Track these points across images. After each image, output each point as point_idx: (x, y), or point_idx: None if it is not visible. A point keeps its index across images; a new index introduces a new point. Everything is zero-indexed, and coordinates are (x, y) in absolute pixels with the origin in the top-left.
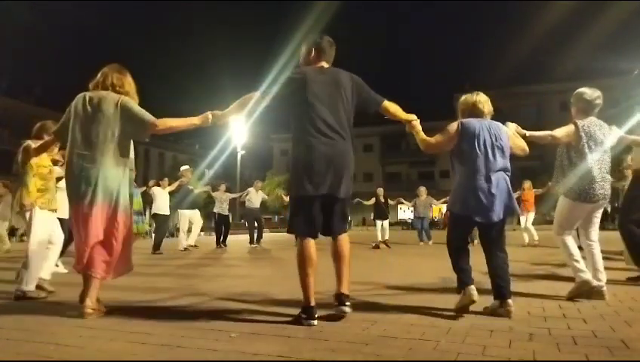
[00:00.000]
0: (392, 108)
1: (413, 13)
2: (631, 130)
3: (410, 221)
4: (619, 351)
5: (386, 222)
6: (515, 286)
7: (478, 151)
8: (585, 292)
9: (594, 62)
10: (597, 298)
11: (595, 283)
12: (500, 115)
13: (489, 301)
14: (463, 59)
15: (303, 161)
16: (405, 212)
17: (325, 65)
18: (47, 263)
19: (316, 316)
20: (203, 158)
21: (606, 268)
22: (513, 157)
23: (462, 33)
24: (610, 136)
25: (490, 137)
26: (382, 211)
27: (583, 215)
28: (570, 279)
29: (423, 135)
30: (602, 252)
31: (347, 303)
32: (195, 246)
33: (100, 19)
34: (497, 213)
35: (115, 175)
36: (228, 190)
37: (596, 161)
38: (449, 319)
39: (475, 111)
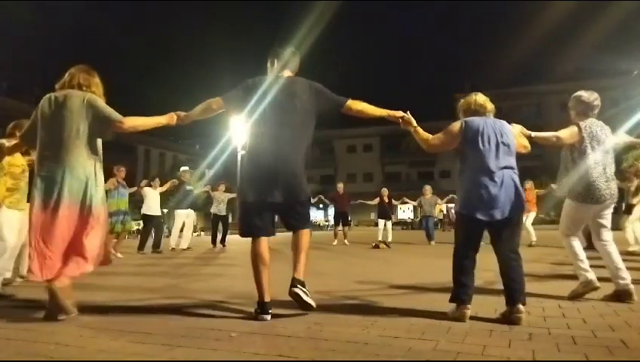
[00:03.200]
0: (358, 105)
1: (413, 12)
2: (630, 130)
3: (410, 221)
4: (619, 351)
5: (389, 223)
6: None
7: (482, 148)
8: (588, 291)
9: (594, 62)
10: (627, 299)
11: (620, 282)
12: (499, 115)
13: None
14: (463, 59)
15: (248, 168)
16: (405, 212)
17: (287, 73)
18: (22, 262)
19: (270, 311)
20: (203, 158)
21: (604, 267)
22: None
23: (462, 33)
24: (610, 136)
25: (495, 134)
26: (385, 211)
27: (589, 216)
28: (570, 277)
29: (423, 134)
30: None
31: (299, 286)
32: (189, 248)
33: (100, 19)
34: (502, 211)
35: (82, 173)
36: (228, 190)
37: (599, 162)
38: (449, 319)
39: (479, 110)
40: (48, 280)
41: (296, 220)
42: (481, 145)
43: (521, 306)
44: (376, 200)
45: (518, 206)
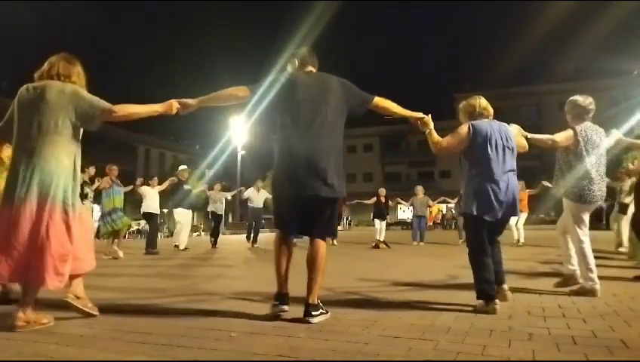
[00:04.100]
0: (384, 103)
1: (413, 12)
2: (631, 129)
3: (410, 221)
4: (618, 351)
5: (383, 223)
6: (516, 282)
7: (490, 152)
8: (587, 296)
9: (594, 62)
10: (572, 282)
11: (570, 268)
12: (499, 115)
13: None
14: (463, 59)
15: (284, 162)
16: (405, 212)
17: (312, 69)
18: None
19: (288, 303)
20: (203, 158)
21: (602, 266)
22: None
23: (462, 33)
24: (605, 139)
25: (501, 139)
26: (381, 211)
27: (588, 213)
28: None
29: (435, 136)
30: (599, 251)
31: (313, 313)
32: (186, 248)
33: (100, 19)
34: (504, 212)
35: (56, 167)
36: (227, 189)
37: (594, 164)
38: (449, 319)
39: (483, 113)
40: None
41: (320, 224)
42: (489, 150)
43: (505, 285)
44: (373, 200)
45: (514, 207)
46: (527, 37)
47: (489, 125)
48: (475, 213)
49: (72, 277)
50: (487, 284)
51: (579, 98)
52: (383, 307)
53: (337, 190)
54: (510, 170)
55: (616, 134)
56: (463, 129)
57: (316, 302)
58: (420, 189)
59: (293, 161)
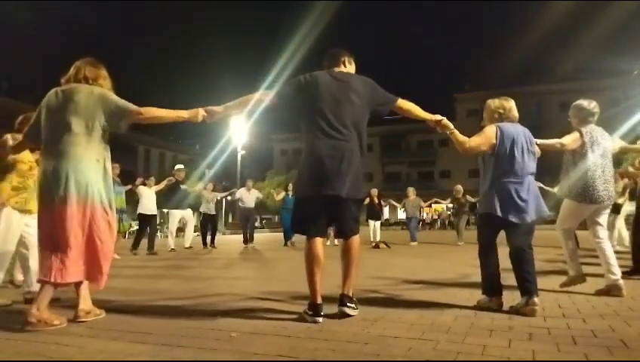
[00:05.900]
0: (408, 105)
1: (413, 12)
2: (630, 130)
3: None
4: (618, 351)
5: (377, 223)
6: (515, 281)
7: (516, 155)
8: (576, 283)
9: (594, 62)
10: (616, 293)
11: (612, 277)
12: None
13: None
14: (463, 60)
15: (307, 162)
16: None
17: (341, 68)
18: (30, 269)
19: (322, 313)
20: (203, 158)
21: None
22: None
23: (462, 33)
24: (610, 142)
25: (526, 142)
26: (375, 212)
27: (586, 214)
28: (563, 273)
29: (460, 136)
30: (592, 250)
31: (348, 304)
32: (190, 247)
33: (100, 19)
34: (530, 215)
35: (88, 168)
36: (225, 189)
37: (599, 165)
38: (449, 319)
39: (509, 117)
40: (59, 284)
41: (348, 224)
42: (516, 152)
43: (536, 299)
44: (366, 201)
45: (541, 209)
46: (527, 37)
47: (515, 128)
48: (499, 214)
49: (78, 285)
50: (490, 279)
51: (583, 102)
52: (382, 306)
53: (360, 191)
54: (531, 173)
55: (619, 141)
56: (491, 130)
57: (350, 294)
58: (411, 191)
59: (319, 162)
